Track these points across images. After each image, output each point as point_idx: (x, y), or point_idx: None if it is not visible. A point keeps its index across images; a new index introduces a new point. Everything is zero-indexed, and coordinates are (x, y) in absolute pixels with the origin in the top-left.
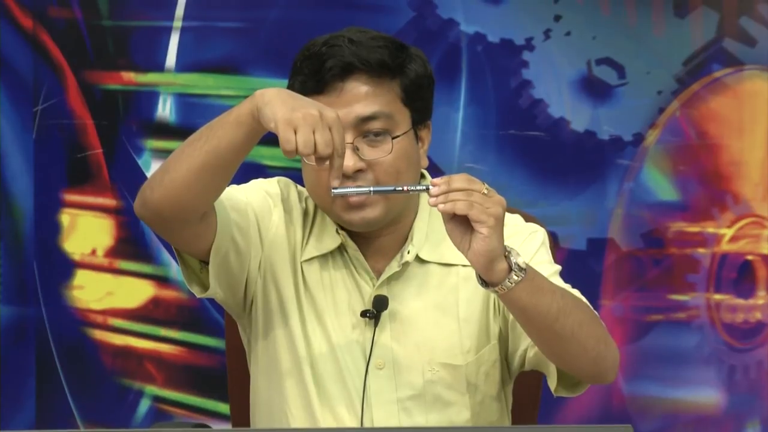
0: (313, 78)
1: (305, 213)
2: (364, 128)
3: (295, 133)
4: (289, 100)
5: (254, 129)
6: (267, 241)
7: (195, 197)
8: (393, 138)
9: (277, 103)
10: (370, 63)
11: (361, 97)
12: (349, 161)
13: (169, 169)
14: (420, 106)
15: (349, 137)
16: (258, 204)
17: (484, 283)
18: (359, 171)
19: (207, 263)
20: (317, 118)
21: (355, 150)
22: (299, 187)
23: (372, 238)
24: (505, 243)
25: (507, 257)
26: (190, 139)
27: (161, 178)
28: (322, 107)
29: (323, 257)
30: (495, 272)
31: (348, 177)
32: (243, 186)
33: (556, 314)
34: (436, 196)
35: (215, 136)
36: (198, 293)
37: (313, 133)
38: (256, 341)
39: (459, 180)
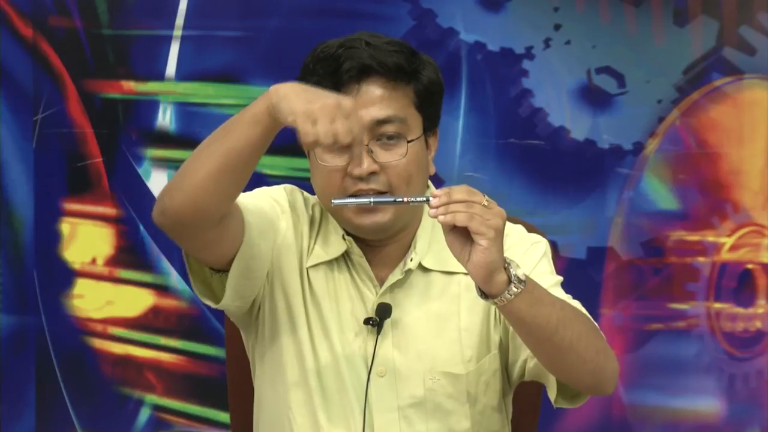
0: (329, 79)
1: (311, 220)
2: (379, 131)
3: (315, 124)
4: (304, 93)
5: (270, 126)
6: (276, 248)
7: (214, 200)
8: (408, 142)
9: (292, 96)
10: (387, 66)
11: (376, 100)
12: (364, 163)
13: (186, 174)
14: (431, 113)
15: (364, 139)
16: (267, 210)
17: (484, 294)
18: (372, 173)
19: (218, 271)
20: (335, 107)
21: (369, 152)
22: (305, 193)
23: (376, 247)
24: (507, 253)
25: (506, 269)
26: (206, 141)
27: (180, 183)
28: (339, 96)
29: (329, 264)
30: (494, 284)
31: (361, 179)
32: (249, 193)
33: (555, 326)
34: (437, 207)
35: (232, 137)
36: (213, 304)
37: (333, 122)
38: (262, 349)
39: (459, 191)
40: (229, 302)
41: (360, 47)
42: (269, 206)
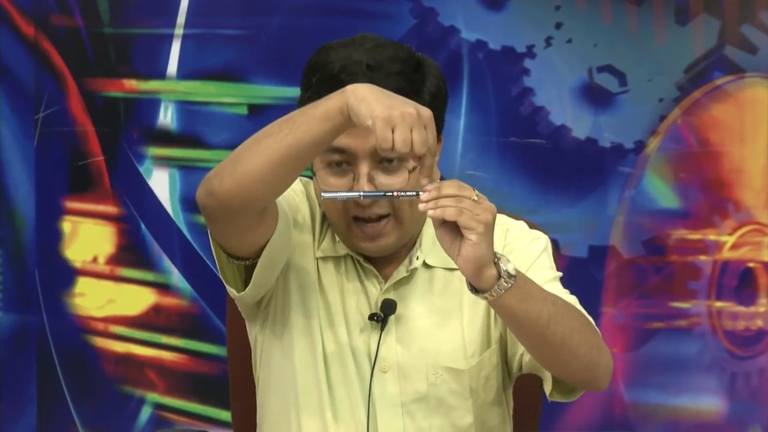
0: None
1: (323, 213)
2: (380, 156)
3: (393, 131)
4: (384, 97)
5: (341, 124)
6: (295, 237)
7: (267, 189)
8: (410, 171)
9: (372, 100)
10: None
11: None
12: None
13: (242, 161)
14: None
15: (364, 167)
16: (290, 200)
17: (474, 289)
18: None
19: (239, 258)
20: (415, 116)
21: (371, 179)
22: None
23: None
24: (508, 248)
25: (497, 264)
26: (266, 131)
27: (233, 169)
28: (418, 105)
29: (336, 258)
30: (484, 279)
31: (364, 206)
32: None
33: (546, 321)
34: (427, 201)
35: (299, 130)
36: (238, 291)
37: (411, 131)
38: (271, 336)
39: (449, 186)
40: (253, 291)
41: (359, 72)
42: (291, 196)
